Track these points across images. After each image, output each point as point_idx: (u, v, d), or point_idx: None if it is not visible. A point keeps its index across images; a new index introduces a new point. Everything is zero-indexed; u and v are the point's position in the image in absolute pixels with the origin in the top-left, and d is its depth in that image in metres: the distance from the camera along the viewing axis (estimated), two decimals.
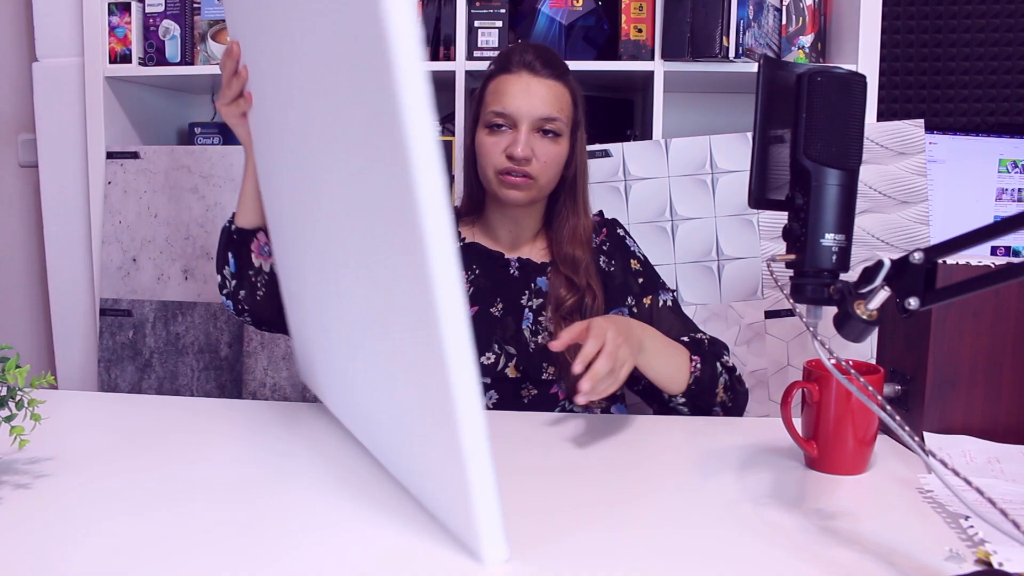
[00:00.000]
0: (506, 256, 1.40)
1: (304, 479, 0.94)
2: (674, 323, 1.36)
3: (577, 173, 1.39)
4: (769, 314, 1.74)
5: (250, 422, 1.14)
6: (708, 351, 1.28)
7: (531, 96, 1.30)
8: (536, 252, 1.42)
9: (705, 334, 1.34)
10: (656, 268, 1.45)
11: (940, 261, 0.75)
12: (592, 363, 1.03)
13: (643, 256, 1.45)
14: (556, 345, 1.06)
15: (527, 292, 1.36)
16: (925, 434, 1.03)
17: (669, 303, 1.39)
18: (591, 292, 1.35)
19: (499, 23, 1.83)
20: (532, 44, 1.40)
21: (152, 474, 0.95)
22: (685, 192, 1.76)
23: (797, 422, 1.00)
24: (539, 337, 1.34)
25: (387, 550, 0.76)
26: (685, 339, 1.30)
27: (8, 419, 0.89)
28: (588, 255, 1.38)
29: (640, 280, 1.41)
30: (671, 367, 1.21)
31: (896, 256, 0.75)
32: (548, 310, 1.35)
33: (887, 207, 1.72)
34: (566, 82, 1.35)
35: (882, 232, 1.72)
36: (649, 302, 1.38)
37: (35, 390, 0.91)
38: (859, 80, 0.82)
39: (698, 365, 1.24)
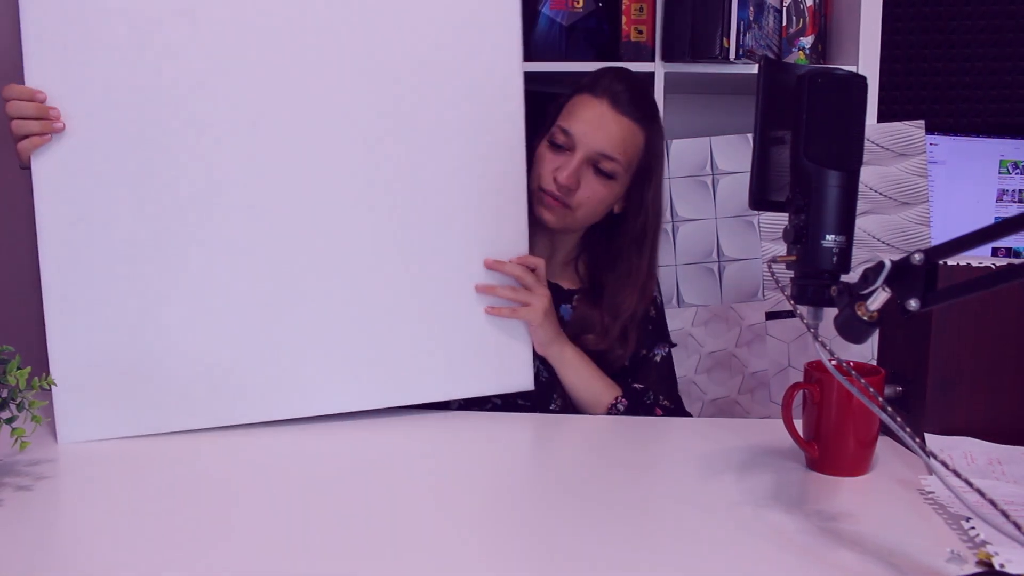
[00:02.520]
0: None
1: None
2: (649, 375, 1.35)
3: (647, 223, 1.34)
4: (770, 315, 1.74)
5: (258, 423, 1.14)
6: (644, 403, 1.28)
7: (598, 128, 1.26)
8: (566, 277, 1.40)
9: (671, 403, 1.33)
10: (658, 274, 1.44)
11: (941, 262, 0.75)
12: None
13: (661, 303, 1.44)
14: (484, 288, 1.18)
15: None
16: (926, 435, 1.03)
17: (658, 359, 1.38)
18: (623, 344, 1.33)
19: None
20: (630, 75, 1.34)
21: (154, 475, 0.95)
22: (686, 193, 1.76)
23: (798, 423, 1.00)
24: (551, 368, 1.30)
25: None
26: (638, 387, 1.29)
27: (9, 421, 0.89)
28: (637, 317, 1.34)
29: (649, 327, 1.39)
30: (584, 390, 1.26)
31: (897, 257, 0.75)
32: None
33: (888, 208, 1.72)
34: (645, 126, 1.30)
35: (883, 233, 1.72)
36: (645, 353, 1.38)
37: (36, 391, 0.92)
38: (859, 82, 0.82)
39: (620, 408, 1.26)
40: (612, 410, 1.25)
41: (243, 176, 1.08)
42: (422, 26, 1.16)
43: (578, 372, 1.26)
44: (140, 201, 1.05)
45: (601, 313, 1.33)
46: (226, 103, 1.07)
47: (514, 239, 1.22)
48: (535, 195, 1.30)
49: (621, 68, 1.36)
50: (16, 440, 0.88)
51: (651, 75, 1.80)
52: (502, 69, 1.21)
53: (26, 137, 1.00)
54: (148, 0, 1.04)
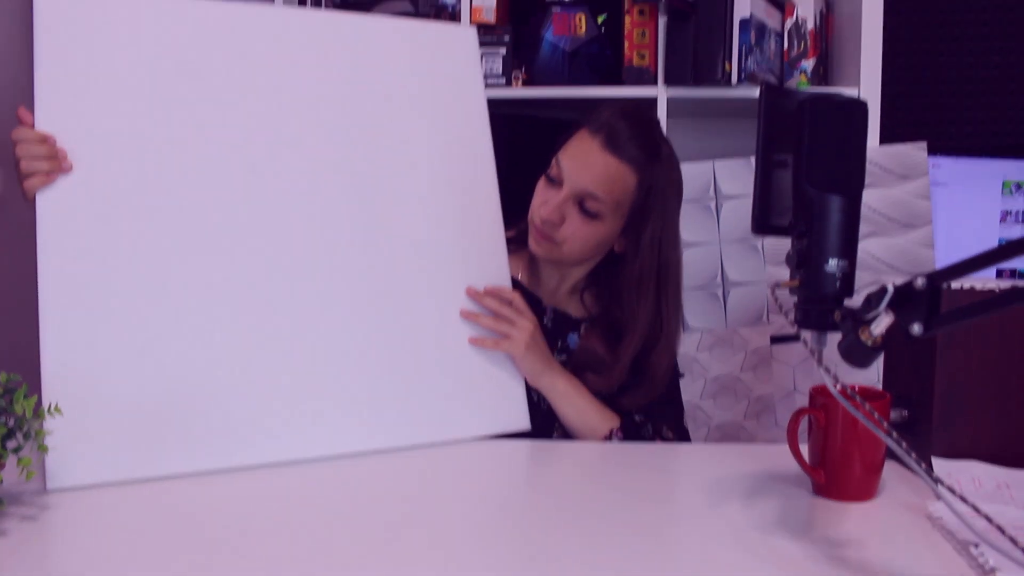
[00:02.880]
0: (544, 304, 1.35)
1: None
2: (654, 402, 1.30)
3: (644, 269, 1.27)
4: (775, 339, 1.74)
5: None
6: (643, 436, 1.25)
7: (585, 165, 1.24)
8: (574, 305, 1.37)
9: (674, 434, 1.29)
10: None
11: (944, 285, 0.75)
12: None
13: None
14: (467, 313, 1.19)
15: (555, 348, 1.30)
16: (933, 460, 1.03)
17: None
18: (632, 393, 1.28)
19: (502, 50, 1.85)
20: (636, 113, 1.28)
21: (161, 506, 0.95)
22: (689, 218, 1.76)
23: (804, 448, 0.99)
24: None
25: None
26: (638, 418, 1.26)
27: (16, 450, 0.89)
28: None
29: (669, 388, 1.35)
30: (578, 422, 1.23)
31: (900, 281, 0.75)
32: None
33: (891, 230, 1.72)
34: (638, 167, 1.24)
35: (887, 255, 1.72)
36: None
37: (43, 420, 0.91)
38: (859, 107, 0.83)
39: (615, 440, 1.22)
40: (607, 440, 1.23)
41: (237, 218, 1.11)
42: (390, 69, 1.22)
43: (572, 403, 1.23)
44: (138, 241, 1.06)
45: (607, 351, 1.30)
46: (220, 150, 1.11)
47: (496, 274, 1.24)
48: (530, 227, 1.29)
49: (629, 103, 1.33)
50: (23, 470, 0.88)
51: (654, 100, 1.82)
52: (467, 103, 1.26)
53: (33, 175, 1.01)
54: (154, 52, 1.09)
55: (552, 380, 1.23)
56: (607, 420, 1.24)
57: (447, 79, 1.26)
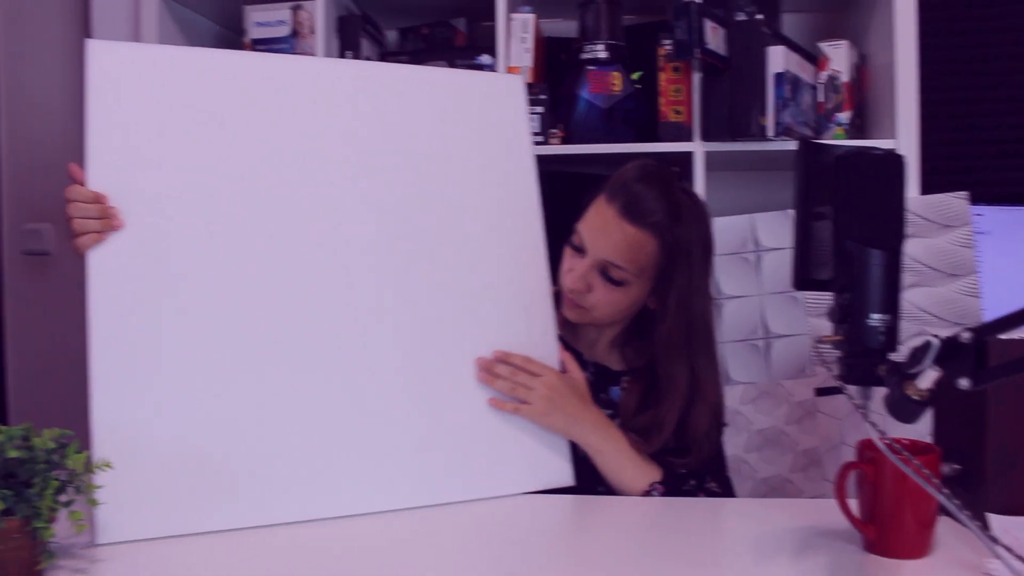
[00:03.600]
0: (584, 358, 1.34)
1: None
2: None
3: (672, 331, 1.25)
4: (820, 391, 1.72)
5: None
6: (684, 490, 1.23)
7: (603, 236, 1.24)
8: (614, 358, 1.36)
9: (718, 487, 1.27)
10: None
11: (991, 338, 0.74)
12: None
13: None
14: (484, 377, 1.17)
15: (598, 402, 1.28)
16: (988, 516, 1.00)
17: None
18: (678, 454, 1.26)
19: (540, 108, 1.88)
20: (650, 176, 1.27)
21: (206, 560, 0.96)
22: (729, 270, 1.76)
23: (853, 503, 0.97)
24: None
25: None
26: (682, 471, 1.24)
27: (67, 504, 0.91)
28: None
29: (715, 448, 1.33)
30: (613, 477, 1.21)
31: (946, 334, 0.75)
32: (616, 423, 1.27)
33: (935, 280, 1.70)
34: (658, 232, 1.23)
35: (931, 306, 1.70)
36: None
37: (93, 474, 0.93)
38: (896, 160, 0.83)
39: (655, 495, 1.20)
40: (647, 496, 1.20)
41: (284, 275, 1.12)
42: (437, 119, 1.22)
43: (605, 458, 1.21)
44: (187, 298, 1.07)
45: (649, 406, 1.28)
46: (267, 205, 1.12)
47: (542, 330, 1.23)
48: (561, 292, 1.29)
49: (647, 164, 1.31)
50: (74, 523, 0.90)
51: (690, 154, 1.83)
52: (515, 153, 1.26)
53: (85, 234, 1.04)
54: (202, 106, 1.11)
55: (582, 436, 1.21)
56: (647, 474, 1.21)
57: (495, 129, 1.26)
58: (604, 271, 1.24)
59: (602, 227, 1.24)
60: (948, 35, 2.18)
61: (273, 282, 1.11)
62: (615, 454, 1.21)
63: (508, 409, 1.18)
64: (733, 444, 1.70)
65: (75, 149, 1.09)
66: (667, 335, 1.26)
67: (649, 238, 1.23)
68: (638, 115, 1.90)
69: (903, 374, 0.77)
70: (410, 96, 1.22)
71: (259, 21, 1.96)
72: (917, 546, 0.95)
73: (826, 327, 0.86)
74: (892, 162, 0.83)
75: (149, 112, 1.08)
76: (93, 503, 0.93)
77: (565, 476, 1.21)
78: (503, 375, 1.18)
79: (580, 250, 1.26)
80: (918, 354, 0.75)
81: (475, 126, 1.25)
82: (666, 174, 1.29)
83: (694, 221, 1.27)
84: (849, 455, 1.65)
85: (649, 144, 1.85)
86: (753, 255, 1.77)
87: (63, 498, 0.90)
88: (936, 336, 0.75)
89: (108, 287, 1.05)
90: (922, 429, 1.54)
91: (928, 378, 0.75)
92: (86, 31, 2.23)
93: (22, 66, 2.24)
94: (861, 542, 0.98)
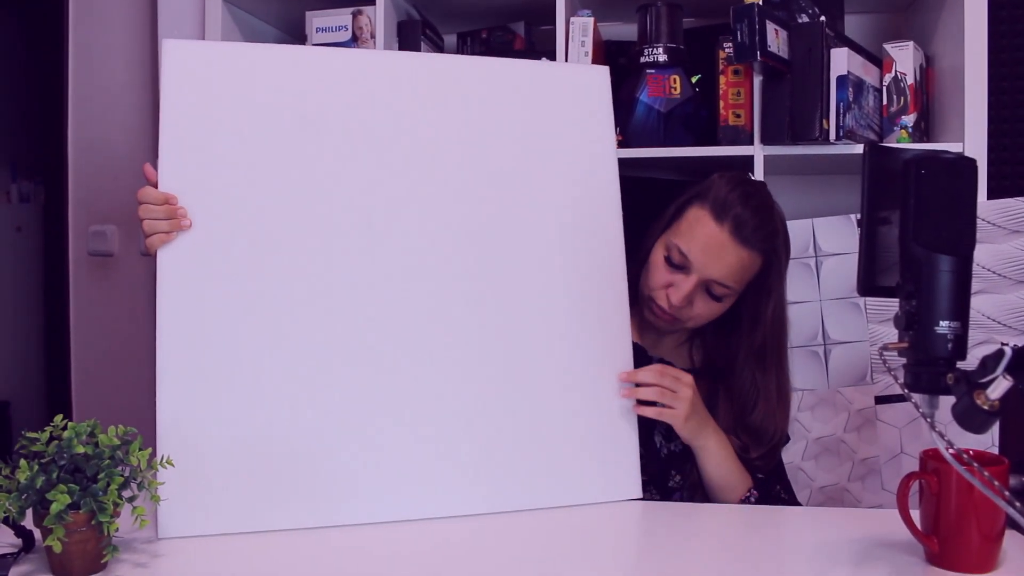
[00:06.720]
0: (648, 354, 1.35)
1: None
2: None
3: (767, 337, 1.30)
4: (880, 399, 1.69)
5: None
6: (771, 494, 1.26)
7: (718, 258, 1.23)
8: (679, 356, 1.37)
9: (786, 494, 1.30)
10: None
11: None
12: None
13: None
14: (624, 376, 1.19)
15: None
16: None
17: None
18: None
19: None
20: (752, 195, 1.27)
21: (268, 558, 0.97)
22: (790, 276, 1.73)
23: (915, 514, 0.96)
24: (672, 444, 1.29)
25: None
26: (761, 476, 1.27)
27: (131, 499, 0.93)
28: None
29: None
30: (720, 480, 1.23)
31: (1017, 342, 0.73)
32: None
33: (1003, 287, 1.66)
34: (765, 252, 1.26)
35: (999, 313, 1.65)
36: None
37: (155, 471, 0.96)
38: (969, 164, 0.82)
39: (752, 499, 1.23)
40: (744, 501, 1.23)
41: (355, 275, 1.11)
42: (519, 112, 1.20)
43: (719, 463, 1.23)
44: (255, 297, 1.08)
45: (724, 409, 1.30)
46: (340, 204, 1.11)
47: (618, 333, 1.21)
48: (644, 299, 1.29)
49: (743, 179, 1.31)
50: (136, 518, 0.92)
51: (750, 158, 1.81)
52: (597, 147, 1.23)
53: (155, 233, 1.07)
54: (275, 103, 1.11)
55: (706, 440, 1.23)
56: (744, 480, 1.25)
57: (579, 123, 1.23)
58: (709, 288, 1.25)
59: (715, 250, 1.23)
60: (1016, 36, 2.12)
61: (344, 283, 1.10)
62: (727, 460, 1.24)
63: (650, 414, 1.19)
64: (790, 452, 1.68)
65: (140, 152, 1.11)
66: (762, 342, 1.30)
67: (757, 259, 1.26)
68: (697, 119, 1.89)
69: (972, 383, 0.75)
70: (494, 89, 1.19)
71: (320, 26, 1.99)
72: (983, 560, 0.93)
73: (887, 333, 0.84)
74: (964, 166, 0.81)
75: (223, 110, 1.09)
76: (156, 499, 0.95)
77: (634, 489, 1.19)
78: (651, 381, 1.19)
79: (680, 267, 1.25)
80: (989, 363, 0.74)
81: (560, 120, 1.22)
82: (764, 190, 1.32)
83: (785, 234, 1.31)
84: (909, 465, 1.62)
85: (708, 148, 1.84)
86: (813, 260, 1.74)
87: (126, 493, 0.93)
88: (1008, 345, 0.73)
89: (176, 286, 1.06)
90: (986, 440, 1.51)
91: (999, 388, 0.73)
92: (153, 37, 2.29)
93: (90, 73, 2.30)
94: (923, 554, 0.96)
